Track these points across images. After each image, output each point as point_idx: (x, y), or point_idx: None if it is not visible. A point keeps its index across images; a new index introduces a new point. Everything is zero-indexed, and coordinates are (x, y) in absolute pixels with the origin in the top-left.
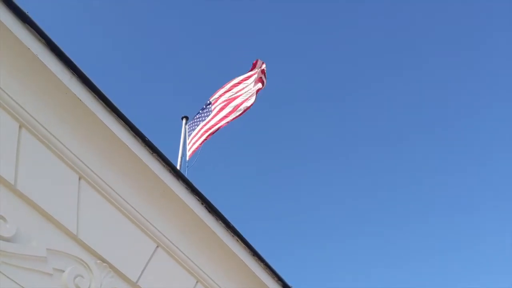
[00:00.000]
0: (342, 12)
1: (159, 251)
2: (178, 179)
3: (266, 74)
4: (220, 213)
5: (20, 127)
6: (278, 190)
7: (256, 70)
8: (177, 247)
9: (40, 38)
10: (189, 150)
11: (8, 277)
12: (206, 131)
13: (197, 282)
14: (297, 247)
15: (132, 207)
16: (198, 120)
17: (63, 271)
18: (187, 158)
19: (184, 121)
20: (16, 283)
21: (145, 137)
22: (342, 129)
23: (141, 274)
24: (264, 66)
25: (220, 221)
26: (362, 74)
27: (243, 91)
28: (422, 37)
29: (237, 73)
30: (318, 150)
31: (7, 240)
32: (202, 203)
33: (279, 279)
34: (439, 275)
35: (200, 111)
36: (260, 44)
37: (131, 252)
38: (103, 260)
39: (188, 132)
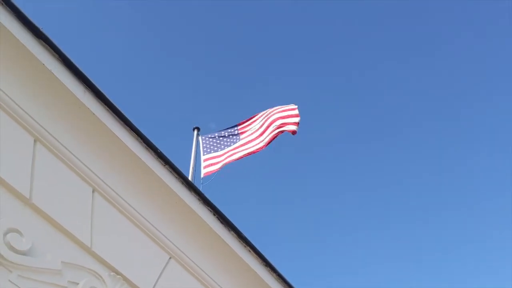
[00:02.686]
0: (347, 12)
1: (171, 262)
2: (190, 191)
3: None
4: (232, 223)
5: (35, 141)
6: (288, 197)
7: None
8: (189, 258)
9: (54, 53)
10: (205, 167)
11: None
12: (230, 156)
13: None
14: (307, 252)
15: (145, 218)
16: (220, 140)
17: (78, 284)
18: (202, 175)
19: (195, 132)
20: None
21: (157, 149)
22: (343, 128)
23: (154, 286)
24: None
25: (232, 232)
26: (362, 73)
27: (273, 125)
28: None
29: (248, 82)
30: (321, 151)
31: (22, 253)
32: (214, 214)
33: None
34: (439, 274)
35: (223, 132)
36: (272, 52)
37: (144, 264)
38: (117, 272)
39: (203, 146)
